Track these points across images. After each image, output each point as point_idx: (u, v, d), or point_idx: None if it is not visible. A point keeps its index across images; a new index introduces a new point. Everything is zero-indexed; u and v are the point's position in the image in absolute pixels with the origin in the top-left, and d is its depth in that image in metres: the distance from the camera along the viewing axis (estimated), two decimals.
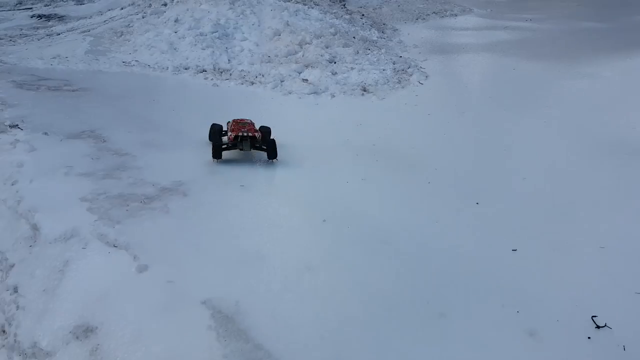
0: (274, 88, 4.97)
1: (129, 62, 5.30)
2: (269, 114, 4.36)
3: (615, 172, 3.17)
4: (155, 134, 3.58)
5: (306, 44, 5.76)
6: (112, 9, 7.77)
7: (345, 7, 7.73)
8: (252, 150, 3.34)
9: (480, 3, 9.32)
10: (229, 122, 3.56)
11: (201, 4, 6.23)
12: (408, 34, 6.95)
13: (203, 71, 5.19)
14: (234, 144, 3.29)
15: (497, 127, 4.06)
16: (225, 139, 3.41)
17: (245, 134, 3.27)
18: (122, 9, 7.57)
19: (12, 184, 2.68)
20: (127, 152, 3.17)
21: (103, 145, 3.25)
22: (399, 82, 5.23)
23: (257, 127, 3.49)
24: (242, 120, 3.54)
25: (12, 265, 2.18)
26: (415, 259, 2.29)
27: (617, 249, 2.33)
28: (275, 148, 3.33)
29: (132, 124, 3.67)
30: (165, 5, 6.61)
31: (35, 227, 2.32)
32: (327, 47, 5.79)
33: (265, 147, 3.33)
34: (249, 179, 3.05)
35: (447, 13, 8.19)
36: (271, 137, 3.45)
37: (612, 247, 2.34)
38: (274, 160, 3.33)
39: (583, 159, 3.38)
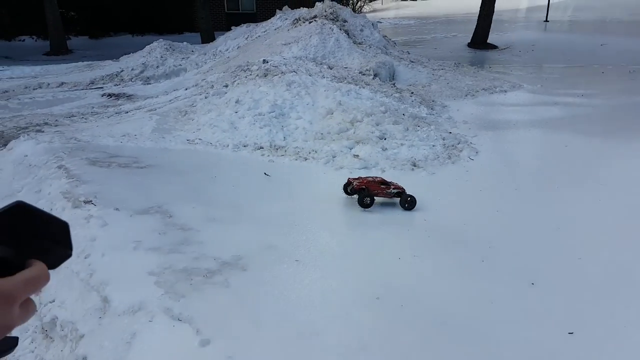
0: (326, 163, 5.16)
1: (193, 140, 5.67)
2: (321, 188, 4.54)
3: None
4: (216, 209, 3.78)
5: (357, 121, 5.99)
6: (176, 89, 8.39)
7: (395, 86, 8.03)
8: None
9: (530, 79, 9.43)
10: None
11: (260, 86, 6.67)
12: (457, 110, 7.08)
13: (260, 148, 5.48)
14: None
15: (550, 204, 4.02)
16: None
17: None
18: (186, 89, 8.17)
19: (85, 257, 2.88)
20: (191, 227, 3.36)
21: (169, 220, 3.46)
22: (449, 157, 5.29)
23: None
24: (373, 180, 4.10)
25: (82, 336, 2.32)
26: (471, 343, 2.25)
27: None
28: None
29: (195, 200, 3.90)
30: (226, 86, 7.11)
31: (105, 300, 2.47)
32: (378, 125, 5.99)
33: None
34: (302, 253, 3.14)
35: (497, 89, 8.31)
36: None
37: None
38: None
39: (637, 239, 3.27)
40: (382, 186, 4.04)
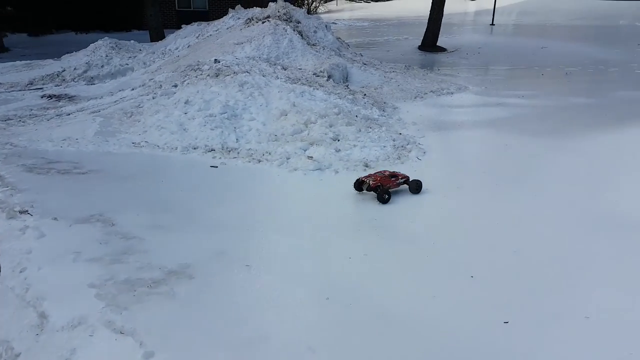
0: (280, 165, 5.14)
1: (139, 143, 5.50)
2: (274, 190, 4.52)
3: (601, 245, 3.26)
4: (162, 216, 3.68)
5: (311, 123, 5.99)
6: (122, 90, 8.08)
7: (348, 88, 8.09)
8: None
9: (476, 80, 9.74)
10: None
11: (211, 86, 6.54)
12: (407, 112, 7.21)
13: (212, 150, 5.38)
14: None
15: (490, 201, 4.19)
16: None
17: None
18: (133, 89, 7.88)
19: (21, 272, 2.74)
20: (135, 235, 3.26)
21: (112, 229, 3.34)
22: (399, 158, 5.39)
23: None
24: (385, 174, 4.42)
25: (18, 355, 2.20)
26: (415, 338, 2.35)
27: (601, 319, 2.46)
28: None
29: (140, 206, 3.78)
30: (175, 86, 6.93)
31: (42, 315, 2.35)
32: (331, 126, 6.01)
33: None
34: (253, 258, 3.11)
35: (444, 91, 8.53)
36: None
37: (596, 317, 2.47)
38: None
39: (570, 232, 3.48)
40: (392, 179, 4.39)
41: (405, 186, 4.43)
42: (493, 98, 8.04)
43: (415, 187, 4.42)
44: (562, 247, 3.29)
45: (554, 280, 2.89)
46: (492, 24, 19.77)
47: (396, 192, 4.36)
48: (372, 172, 4.83)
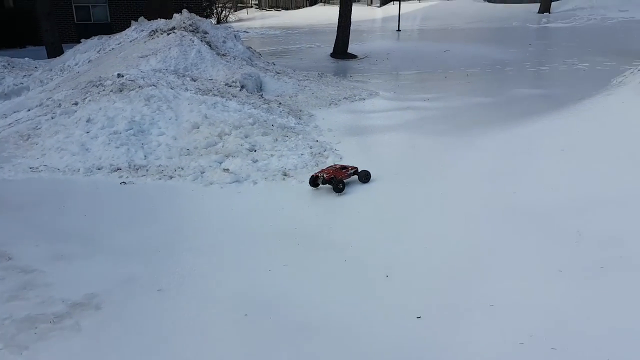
0: (194, 180, 4.98)
1: (37, 168, 5.09)
2: (189, 207, 4.36)
3: (505, 235, 3.46)
4: (64, 245, 3.42)
5: (226, 134, 5.88)
6: (17, 111, 7.47)
7: (262, 97, 8.05)
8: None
9: (385, 86, 10.09)
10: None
11: (115, 102, 6.22)
12: (323, 119, 7.31)
13: (117, 170, 5.10)
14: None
15: (402, 200, 4.35)
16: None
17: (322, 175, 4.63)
18: (29, 110, 7.30)
19: None
20: (35, 268, 3.01)
21: (8, 263, 3.06)
22: (317, 164, 5.44)
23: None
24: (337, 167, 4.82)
25: None
26: (335, 343, 2.37)
27: (505, 305, 2.62)
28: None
29: (39, 236, 3.49)
30: (76, 104, 6.51)
31: None
32: (247, 137, 5.94)
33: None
34: (166, 281, 2.97)
35: (356, 97, 8.75)
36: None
37: (500, 304, 2.62)
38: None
39: (477, 225, 3.67)
40: (343, 170, 4.77)
41: (355, 177, 4.83)
42: (402, 102, 8.36)
43: (365, 176, 4.82)
44: (469, 240, 3.46)
45: (462, 272, 3.03)
46: (399, 30, 20.66)
47: (313, 202, 4.40)
48: (292, 180, 4.86)
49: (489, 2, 27.90)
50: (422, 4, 29.39)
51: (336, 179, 4.57)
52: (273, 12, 34.52)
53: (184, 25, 9.42)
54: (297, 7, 34.73)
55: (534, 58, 12.91)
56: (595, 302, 2.53)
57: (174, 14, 10.13)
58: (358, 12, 22.97)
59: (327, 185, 4.61)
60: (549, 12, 22.92)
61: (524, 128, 5.66)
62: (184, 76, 7.71)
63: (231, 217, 4.14)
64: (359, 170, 4.85)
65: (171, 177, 5.03)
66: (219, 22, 27.45)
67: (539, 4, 23.66)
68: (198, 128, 5.91)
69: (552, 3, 23.49)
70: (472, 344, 2.32)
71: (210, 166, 5.21)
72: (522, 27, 20.07)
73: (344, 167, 4.84)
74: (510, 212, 3.73)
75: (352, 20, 14.93)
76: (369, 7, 31.38)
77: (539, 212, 3.60)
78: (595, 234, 3.13)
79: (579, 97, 6.21)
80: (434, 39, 17.83)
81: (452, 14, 24.89)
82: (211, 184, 4.88)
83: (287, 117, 7.05)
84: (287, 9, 35.16)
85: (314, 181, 4.72)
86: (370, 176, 4.83)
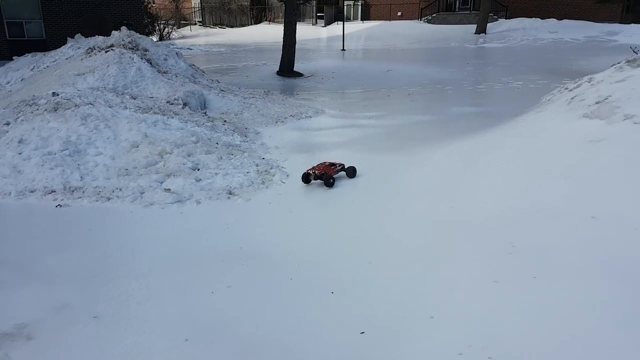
0: (133, 201, 4.81)
1: None
2: (127, 229, 4.20)
3: (446, 247, 3.57)
4: None
5: (167, 153, 5.74)
6: None
7: (206, 115, 7.94)
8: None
9: (331, 104, 10.24)
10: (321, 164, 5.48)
11: (49, 121, 5.94)
12: (269, 137, 7.31)
13: (52, 192, 4.85)
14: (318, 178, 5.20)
15: (347, 216, 4.40)
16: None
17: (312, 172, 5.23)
18: None
19: None
20: None
21: None
22: (263, 182, 5.41)
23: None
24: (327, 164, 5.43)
25: None
26: None
27: (445, 316, 2.69)
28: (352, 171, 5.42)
29: None
30: (7, 124, 6.17)
31: None
32: (190, 155, 5.83)
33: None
34: (103, 308, 2.84)
35: (303, 115, 8.82)
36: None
37: (440, 315, 2.70)
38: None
39: (418, 238, 3.77)
40: (332, 167, 5.34)
41: (343, 173, 5.40)
42: (348, 120, 8.51)
43: (352, 172, 5.39)
44: (411, 254, 3.54)
45: (405, 285, 3.09)
46: (343, 49, 21.11)
47: (260, 221, 4.37)
48: (238, 198, 4.83)
49: (429, 23, 29.13)
50: (365, 25, 30.24)
51: (327, 175, 5.11)
52: (218, 30, 34.34)
53: (123, 42, 9.18)
54: (242, 25, 34.74)
55: (472, 77, 13.56)
56: (530, 311, 2.64)
57: (113, 31, 9.86)
58: (303, 31, 23.27)
59: (306, 186, 5.14)
60: (485, 33, 24.20)
61: (461, 144, 5.90)
62: (123, 94, 7.50)
63: (173, 239, 4.03)
64: (346, 167, 5.42)
65: (109, 199, 4.84)
66: (161, 39, 27.00)
67: (476, 25, 24.94)
68: (137, 147, 5.74)
69: (488, 24, 24.83)
70: (413, 356, 2.36)
71: (150, 186, 5.06)
72: (460, 47, 21.06)
73: (332, 164, 5.41)
74: (449, 226, 3.85)
75: (297, 39, 15.11)
76: (314, 26, 31.89)
77: (475, 225, 3.74)
78: (528, 244, 3.28)
79: (513, 115, 6.56)
80: (378, 58, 18.36)
81: (394, 35, 25.75)
82: (151, 204, 4.74)
83: (232, 135, 7.00)
84: (232, 26, 35.09)
85: (306, 178, 5.23)
86: (356, 172, 5.41)
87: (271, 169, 5.82)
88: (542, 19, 25.23)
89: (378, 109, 9.46)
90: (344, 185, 5.24)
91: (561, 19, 24.91)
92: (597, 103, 4.74)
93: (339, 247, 3.76)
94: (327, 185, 5.11)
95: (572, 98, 5.22)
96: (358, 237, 3.92)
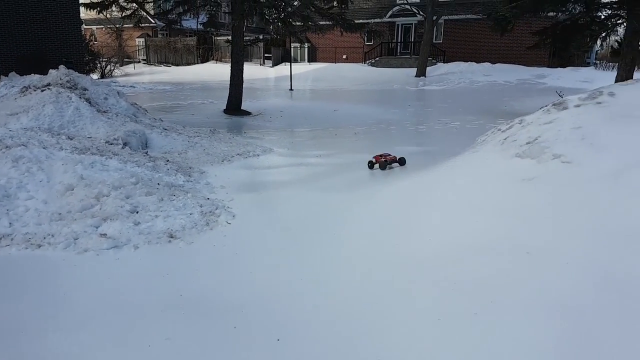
0: (66, 248, 4.53)
1: None
2: (59, 278, 3.93)
3: (387, 287, 3.58)
4: None
5: (104, 196, 5.50)
6: None
7: (148, 154, 7.73)
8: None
9: (279, 142, 10.29)
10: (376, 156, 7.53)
11: None
12: (215, 176, 7.19)
13: None
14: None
15: (297, 259, 4.32)
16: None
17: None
18: None
19: None
20: None
21: None
22: (207, 224, 5.26)
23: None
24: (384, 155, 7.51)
25: None
26: None
27: (395, 357, 2.68)
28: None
29: None
30: None
31: None
32: (128, 197, 5.61)
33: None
34: None
35: (250, 154, 8.79)
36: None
37: (385, 357, 2.68)
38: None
39: (361, 278, 3.77)
40: (388, 157, 7.41)
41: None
42: (296, 158, 8.56)
43: (403, 162, 7.40)
44: (356, 295, 3.51)
45: (349, 327, 3.05)
46: (291, 89, 21.49)
47: (202, 264, 4.23)
48: (180, 242, 4.69)
49: (372, 66, 30.29)
50: (312, 66, 31.05)
51: (385, 162, 7.24)
52: (163, 68, 34.10)
53: (60, 81, 8.89)
54: (188, 64, 34.71)
55: (413, 117, 14.11)
56: (471, 348, 2.67)
57: (51, 70, 9.55)
58: (251, 71, 23.55)
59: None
60: (425, 76, 25.44)
61: (405, 183, 6.05)
62: (59, 134, 7.20)
63: (108, 288, 3.79)
64: (398, 159, 7.38)
65: (39, 246, 4.53)
66: (103, 76, 26.47)
67: (416, 69, 26.18)
68: (73, 190, 5.47)
69: (427, 68, 26.14)
70: None
71: (85, 231, 4.80)
72: (402, 89, 21.98)
73: (383, 155, 7.48)
74: (394, 264, 3.88)
75: (245, 78, 15.25)
76: (262, 66, 32.38)
77: (418, 262, 3.79)
78: (469, 281, 3.35)
79: (451, 154, 6.82)
80: (325, 98, 18.79)
81: (340, 76, 26.56)
82: (86, 251, 4.48)
83: (175, 175, 6.82)
84: (177, 65, 34.98)
85: (372, 164, 7.41)
86: (405, 160, 7.43)
87: (216, 209, 5.69)
88: (477, 62, 26.93)
89: (326, 147, 9.59)
90: (291, 224, 5.20)
91: (495, 63, 26.68)
92: (527, 143, 5.02)
93: (285, 291, 3.68)
94: (382, 169, 7.23)
95: (505, 139, 5.51)
96: (304, 279, 3.86)
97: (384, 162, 7.18)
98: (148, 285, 3.84)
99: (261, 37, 25.45)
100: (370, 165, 7.40)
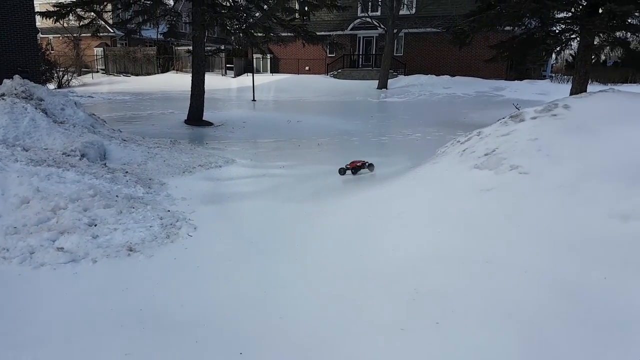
0: (21, 263, 4.36)
1: None
2: (14, 294, 3.76)
3: (351, 298, 3.59)
4: None
5: (61, 209, 5.33)
6: None
7: (106, 166, 7.53)
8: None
9: (242, 153, 10.24)
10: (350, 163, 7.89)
11: None
12: (176, 187, 7.07)
13: None
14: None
15: (259, 271, 4.29)
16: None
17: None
18: None
19: None
20: None
21: None
22: (168, 237, 5.17)
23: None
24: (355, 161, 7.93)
25: None
26: None
27: None
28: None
29: None
30: None
31: None
32: (86, 210, 5.45)
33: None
34: None
35: (212, 165, 8.70)
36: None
37: None
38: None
39: (327, 290, 3.77)
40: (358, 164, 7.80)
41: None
42: (259, 169, 8.52)
43: (370, 167, 7.83)
44: (320, 307, 3.51)
45: (314, 339, 3.06)
46: (254, 100, 21.44)
47: (163, 278, 4.15)
48: (139, 255, 4.59)
49: (334, 78, 30.62)
50: (275, 77, 31.10)
51: (357, 168, 7.76)
52: (122, 78, 33.37)
53: (15, 91, 8.57)
54: (148, 74, 34.10)
55: (375, 129, 14.34)
56: (435, 358, 2.73)
57: (5, 80, 9.19)
58: (213, 81, 23.36)
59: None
60: (387, 88, 25.92)
61: (367, 194, 6.13)
62: (14, 146, 6.93)
63: (65, 303, 3.66)
64: (366, 164, 7.82)
65: None
66: (60, 86, 25.65)
67: (378, 81, 26.64)
68: (28, 203, 5.27)
69: (389, 80, 26.64)
70: None
71: (41, 245, 4.63)
72: (364, 101, 22.31)
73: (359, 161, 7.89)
74: (358, 275, 3.92)
75: (207, 88, 15.12)
76: (224, 76, 32.17)
77: (381, 273, 3.84)
78: (430, 291, 3.43)
79: (412, 165, 6.99)
80: (287, 109, 18.84)
81: (303, 88, 26.71)
82: (42, 265, 4.32)
83: (134, 187, 6.67)
84: (137, 75, 34.31)
85: (344, 170, 7.85)
86: (374, 166, 7.88)
87: (177, 221, 5.60)
88: (437, 75, 27.67)
89: (289, 158, 9.60)
90: (254, 236, 5.17)
91: (454, 76, 27.48)
92: (485, 155, 5.20)
93: (248, 303, 3.65)
94: (355, 174, 7.77)
95: (464, 150, 5.69)
96: (267, 290, 3.84)
97: (358, 167, 7.80)
98: (107, 300, 3.73)
99: (223, 47, 25.32)
100: (342, 171, 7.84)
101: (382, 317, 3.22)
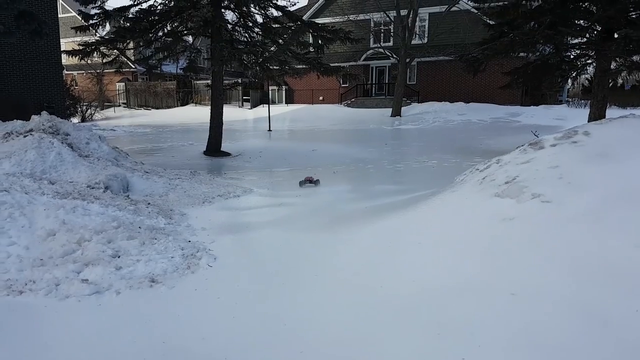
0: (47, 295, 4.44)
1: None
2: (40, 326, 3.82)
3: (372, 331, 3.56)
4: None
5: (85, 241, 5.44)
6: None
7: (129, 198, 7.68)
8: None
9: (259, 183, 10.34)
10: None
11: None
12: (196, 218, 7.15)
13: None
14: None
15: (280, 303, 4.28)
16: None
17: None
18: None
19: None
20: None
21: None
22: (189, 267, 5.21)
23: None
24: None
25: None
26: None
27: None
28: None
29: None
30: None
31: None
32: (110, 242, 5.55)
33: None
34: None
35: (231, 195, 8.80)
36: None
37: None
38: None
39: (347, 322, 3.75)
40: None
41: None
42: (276, 198, 8.59)
43: (314, 182, 9.30)
44: (343, 336, 3.50)
45: None
46: (270, 130, 21.73)
47: (185, 310, 4.16)
48: (161, 286, 4.61)
49: (348, 107, 30.96)
50: (290, 107, 31.58)
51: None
52: (143, 111, 34.20)
53: (43, 127, 8.87)
54: (168, 107, 34.91)
55: (390, 156, 14.37)
56: None
57: (33, 115, 9.54)
58: (230, 113, 23.76)
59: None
60: (400, 116, 26.06)
61: (386, 222, 6.12)
62: (41, 179, 7.13)
63: (89, 335, 3.70)
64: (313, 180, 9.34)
65: (21, 292, 4.42)
66: (83, 120, 26.40)
67: (391, 109, 26.83)
68: (54, 235, 5.39)
69: (402, 108, 26.82)
70: None
71: (66, 277, 4.71)
72: (379, 129, 22.44)
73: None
74: (378, 307, 3.88)
75: (224, 120, 15.42)
76: (240, 108, 32.76)
77: (403, 305, 3.81)
78: (454, 323, 3.38)
79: (430, 193, 6.97)
80: (303, 139, 19.03)
81: (318, 117, 27.00)
82: (67, 297, 4.39)
83: (156, 218, 6.77)
84: (157, 108, 35.13)
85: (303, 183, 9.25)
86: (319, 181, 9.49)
87: (197, 252, 5.65)
88: (451, 102, 27.77)
89: (305, 187, 9.66)
90: (273, 266, 5.18)
91: (468, 102, 27.53)
92: (506, 183, 5.18)
93: (269, 336, 3.63)
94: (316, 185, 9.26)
95: (484, 178, 5.68)
96: (289, 323, 3.83)
97: (303, 181, 9.53)
98: (130, 332, 3.76)
99: (240, 80, 25.89)
100: (301, 183, 9.54)
101: (407, 352, 3.18)
